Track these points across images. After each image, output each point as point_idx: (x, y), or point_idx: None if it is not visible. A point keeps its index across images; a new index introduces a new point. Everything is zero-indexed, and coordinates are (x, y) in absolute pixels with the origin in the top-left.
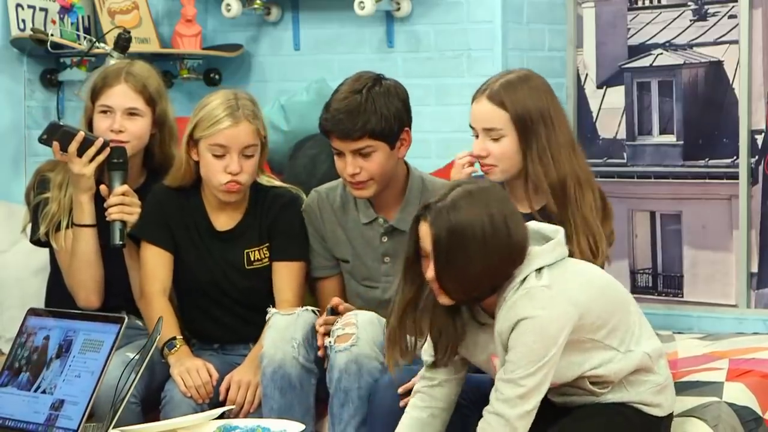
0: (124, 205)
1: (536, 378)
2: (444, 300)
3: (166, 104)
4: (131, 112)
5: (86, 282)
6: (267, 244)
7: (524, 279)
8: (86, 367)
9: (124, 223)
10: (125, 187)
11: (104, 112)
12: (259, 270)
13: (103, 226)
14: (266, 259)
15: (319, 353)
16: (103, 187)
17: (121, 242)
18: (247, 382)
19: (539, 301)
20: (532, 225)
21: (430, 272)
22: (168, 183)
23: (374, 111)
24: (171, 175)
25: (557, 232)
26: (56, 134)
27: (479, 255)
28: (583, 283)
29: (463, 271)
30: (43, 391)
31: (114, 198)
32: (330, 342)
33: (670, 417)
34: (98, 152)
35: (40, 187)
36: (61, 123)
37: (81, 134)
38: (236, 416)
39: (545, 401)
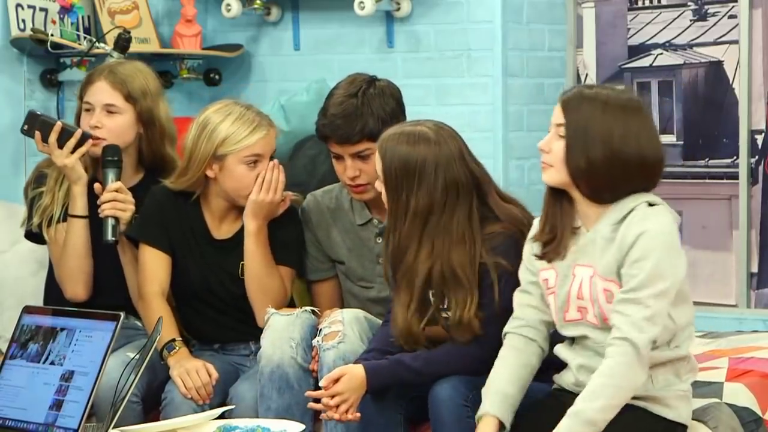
0: (117, 202)
1: (660, 303)
2: (548, 177)
3: (153, 103)
4: (109, 109)
5: (74, 273)
6: None
7: (651, 204)
8: (84, 365)
9: (117, 219)
10: (118, 184)
11: (87, 108)
12: None
13: (98, 222)
14: None
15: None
16: (97, 185)
17: (113, 238)
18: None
19: (673, 226)
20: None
21: (544, 143)
22: (171, 185)
23: (371, 113)
24: (177, 179)
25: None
26: (36, 124)
27: (603, 148)
28: None
29: (586, 155)
30: (52, 363)
31: (107, 194)
32: (318, 341)
33: (684, 429)
34: (79, 144)
35: (37, 182)
36: (39, 113)
37: (59, 124)
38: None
39: (564, 404)
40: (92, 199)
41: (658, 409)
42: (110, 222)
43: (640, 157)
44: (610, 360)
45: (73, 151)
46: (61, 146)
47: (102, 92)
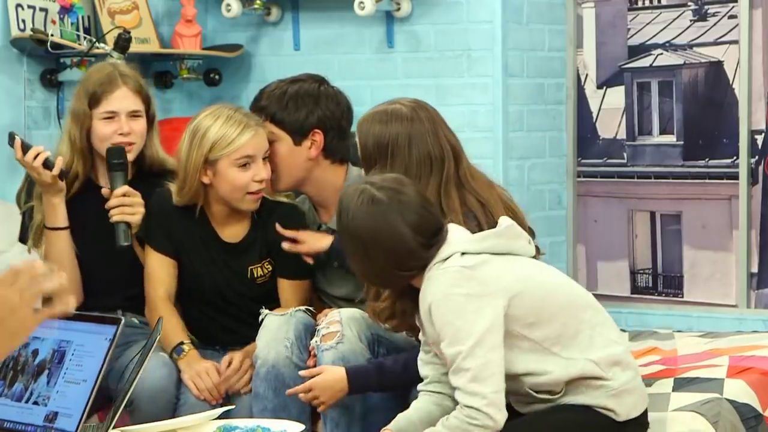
0: (125, 206)
1: (477, 358)
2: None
3: (154, 104)
4: (134, 114)
5: None
6: (268, 259)
7: (446, 258)
8: (82, 374)
9: (128, 223)
10: (125, 188)
11: (108, 117)
12: (261, 282)
13: (106, 227)
14: (269, 273)
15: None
16: (105, 190)
17: (126, 243)
18: (241, 359)
19: (454, 280)
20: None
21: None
22: (176, 201)
23: (280, 99)
24: (179, 194)
25: (505, 227)
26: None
27: (360, 266)
28: (510, 272)
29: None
30: (35, 403)
31: (114, 200)
32: (316, 341)
33: (637, 423)
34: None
35: (27, 193)
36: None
37: (42, 150)
38: (233, 392)
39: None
40: (101, 202)
41: (603, 411)
42: (121, 227)
43: (388, 252)
44: (454, 419)
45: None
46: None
47: (127, 99)
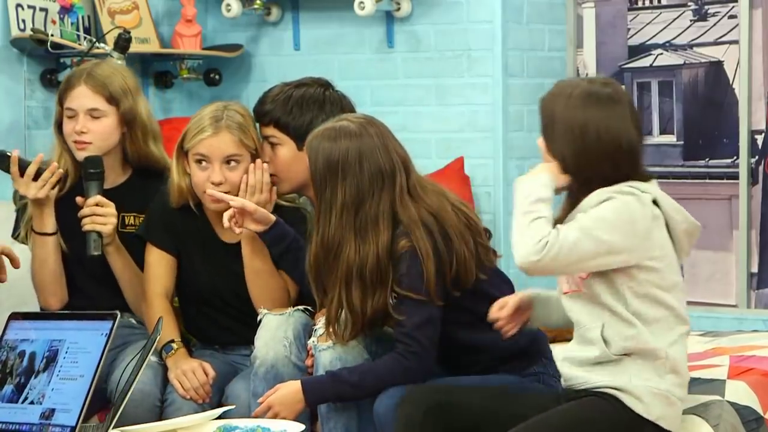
0: (97, 216)
1: (585, 238)
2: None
3: (134, 102)
4: (93, 113)
5: (45, 286)
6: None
7: (626, 191)
8: (78, 369)
9: (99, 233)
10: (98, 198)
11: (70, 115)
12: None
13: (81, 234)
14: None
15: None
16: (79, 199)
17: (96, 253)
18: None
19: (632, 196)
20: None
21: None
22: (172, 204)
23: (285, 103)
24: (171, 195)
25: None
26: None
27: (568, 140)
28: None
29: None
30: (31, 402)
31: (86, 209)
32: (313, 341)
33: (658, 428)
34: (39, 172)
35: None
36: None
37: (15, 154)
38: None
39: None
40: (76, 209)
41: (628, 399)
42: (92, 236)
43: (609, 145)
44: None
45: (35, 179)
46: (22, 174)
47: (84, 97)
